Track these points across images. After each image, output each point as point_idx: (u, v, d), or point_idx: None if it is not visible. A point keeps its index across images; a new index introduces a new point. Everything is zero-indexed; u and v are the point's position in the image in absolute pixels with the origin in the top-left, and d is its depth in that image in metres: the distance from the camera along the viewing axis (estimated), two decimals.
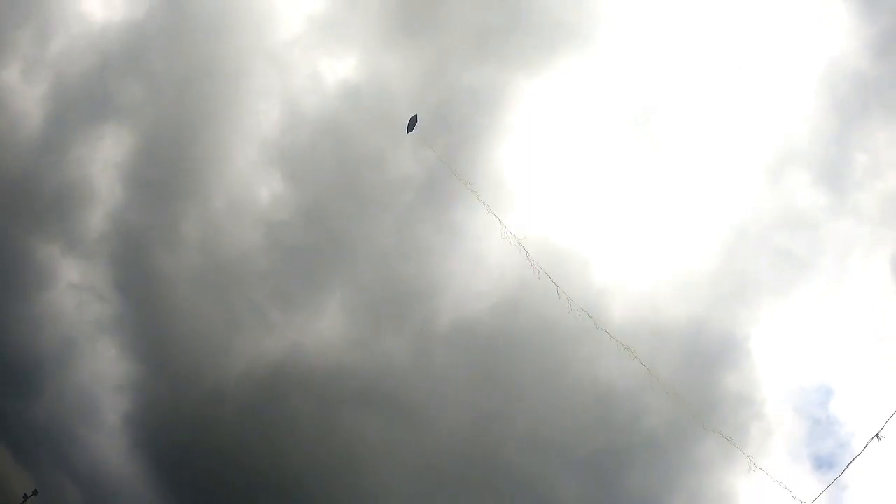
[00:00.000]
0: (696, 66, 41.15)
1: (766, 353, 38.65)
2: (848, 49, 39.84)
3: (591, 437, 34.91)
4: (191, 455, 40.11)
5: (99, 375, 42.80)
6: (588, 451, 34.80)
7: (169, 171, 41.51)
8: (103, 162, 44.19)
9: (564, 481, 35.48)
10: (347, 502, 37.64)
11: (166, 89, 43.27)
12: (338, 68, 42.82)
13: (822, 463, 36.81)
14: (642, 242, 38.88)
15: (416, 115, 30.39)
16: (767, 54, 40.95)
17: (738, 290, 39.21)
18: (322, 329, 38.42)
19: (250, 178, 41.25)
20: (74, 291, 44.53)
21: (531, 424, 34.57)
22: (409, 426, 36.42)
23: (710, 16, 41.01)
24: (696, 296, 38.50)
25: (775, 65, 40.90)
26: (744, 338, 38.56)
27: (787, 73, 40.89)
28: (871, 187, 38.72)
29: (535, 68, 40.24)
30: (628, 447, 35.28)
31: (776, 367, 38.67)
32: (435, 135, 38.91)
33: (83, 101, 43.86)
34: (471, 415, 35.34)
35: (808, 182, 39.86)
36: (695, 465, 36.30)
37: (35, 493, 30.99)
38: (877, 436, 17.65)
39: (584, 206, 38.69)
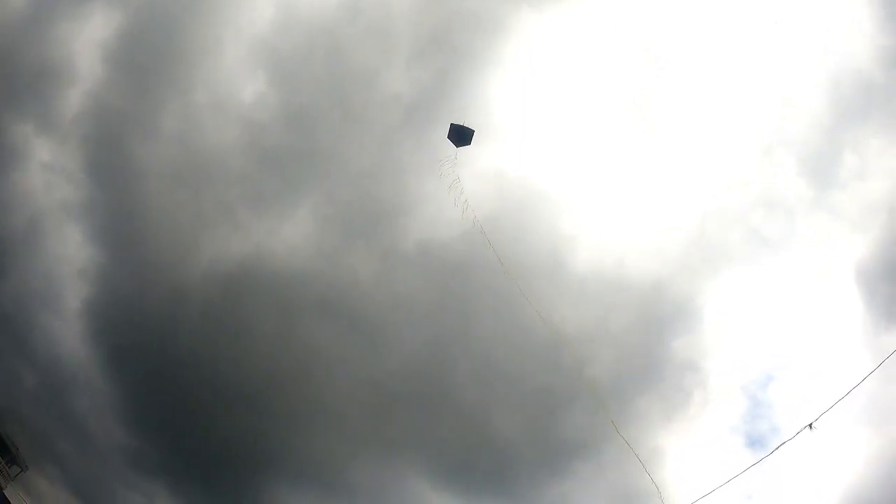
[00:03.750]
0: (710, 26, 40.46)
1: (719, 327, 39.79)
2: (861, 53, 39.43)
3: (538, 376, 36.04)
4: (149, 349, 40.42)
5: (63, 259, 42.43)
6: (532, 388, 36.02)
7: (154, 58, 40.10)
8: (88, 41, 42.54)
9: (506, 414, 36.83)
10: (300, 407, 38.60)
11: None
12: None
13: (755, 442, 38.44)
14: (621, 198, 39.24)
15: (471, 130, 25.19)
16: (782, 40, 40.47)
17: (705, 261, 40.03)
18: (290, 235, 38.47)
19: (236, 76, 40.20)
20: (45, 171, 43.66)
21: (483, 355, 35.56)
22: (366, 341, 37.18)
23: None
24: (664, 258, 39.24)
25: (786, 52, 40.52)
26: (700, 307, 39.67)
27: (795, 63, 40.56)
28: (854, 189, 39.21)
29: (542, 3, 39.26)
30: (571, 392, 36.43)
31: (726, 342, 39.93)
32: (430, 55, 38.16)
33: None
34: (426, 337, 36.17)
35: (793, 170, 40.26)
36: (634, 417, 37.78)
37: None
38: (809, 425, 18.20)
39: (568, 150, 38.65)
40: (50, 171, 43.16)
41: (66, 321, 41.49)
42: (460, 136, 25.39)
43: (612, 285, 37.94)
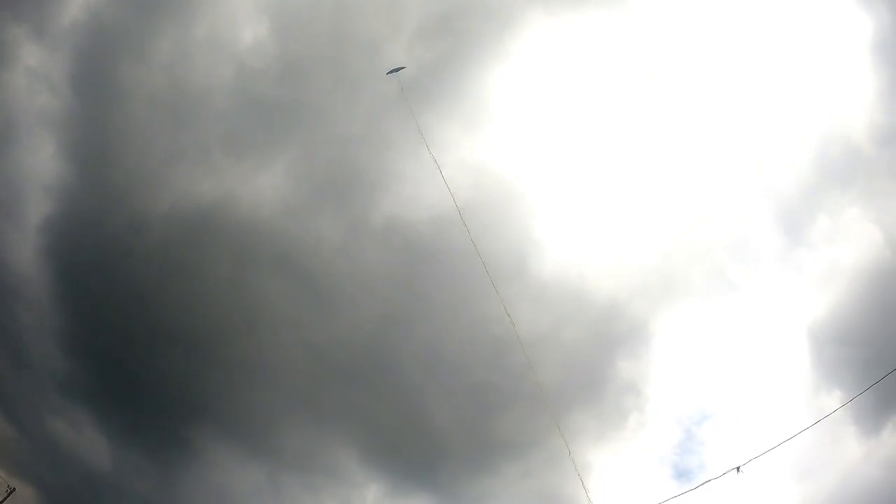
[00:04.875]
0: (711, 64, 40.99)
1: (666, 356, 40.38)
2: (856, 123, 40.17)
3: (480, 371, 36.21)
4: (100, 275, 39.73)
5: (30, 170, 41.49)
6: (473, 382, 36.17)
7: None
8: None
9: (444, 403, 36.96)
10: (242, 363, 38.24)
11: None
12: None
13: (682, 475, 39.02)
14: (594, 212, 39.52)
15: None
16: (781, 94, 41.13)
17: (664, 289, 40.55)
18: (262, 186, 37.99)
19: (238, 17, 39.50)
20: (28, 76, 42.55)
21: (430, 340, 35.57)
22: (318, 306, 36.97)
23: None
24: (625, 279, 39.65)
25: (783, 107, 41.21)
26: (652, 333, 40.18)
27: (790, 119, 41.26)
28: (822, 250, 39.96)
29: (557, 7, 39.27)
30: (511, 393, 36.65)
31: (670, 373, 40.54)
32: (436, 36, 37.90)
33: None
34: (378, 313, 36.05)
35: (769, 219, 40.91)
36: (570, 428, 38.13)
37: None
38: (737, 468, 18.69)
39: (552, 154, 38.79)
40: (34, 76, 42.16)
41: (23, 233, 40.63)
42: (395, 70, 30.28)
43: (570, 295, 38.29)
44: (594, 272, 38.80)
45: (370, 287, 35.93)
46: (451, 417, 37.00)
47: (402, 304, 35.81)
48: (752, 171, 41.35)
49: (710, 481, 19.24)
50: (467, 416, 37.39)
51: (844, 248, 39.21)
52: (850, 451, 32.63)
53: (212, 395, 38.45)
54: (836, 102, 40.20)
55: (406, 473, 38.36)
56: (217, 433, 38.62)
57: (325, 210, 36.86)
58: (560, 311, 37.68)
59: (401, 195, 36.32)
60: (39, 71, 42.00)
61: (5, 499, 29.83)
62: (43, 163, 41.34)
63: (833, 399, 34.66)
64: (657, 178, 40.75)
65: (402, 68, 30.49)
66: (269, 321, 37.85)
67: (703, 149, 41.76)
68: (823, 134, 39.96)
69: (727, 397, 40.39)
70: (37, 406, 38.31)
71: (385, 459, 38.21)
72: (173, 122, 38.74)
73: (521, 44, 39.24)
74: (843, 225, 39.55)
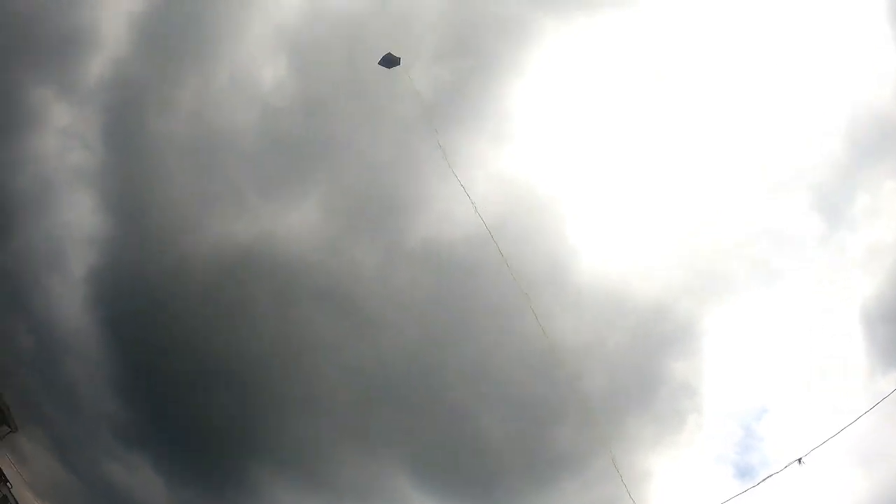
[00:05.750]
0: (733, 54, 40.32)
1: (716, 353, 39.62)
2: (882, 95, 39.16)
3: (530, 386, 35.84)
4: (147, 322, 40.63)
5: (71, 225, 42.71)
6: (522, 396, 35.83)
7: (179, 32, 40.35)
8: (115, 8, 42.90)
9: (495, 421, 36.67)
10: (291, 396, 38.63)
11: None
12: None
13: (744, 473, 38.09)
14: (630, 214, 39.09)
15: (397, 58, 29.39)
16: (803, 76, 40.30)
17: (707, 288, 39.87)
18: (296, 222, 38.59)
19: (257, 58, 40.41)
20: (61, 136, 44.04)
21: (477, 359, 35.43)
22: (361, 333, 37.18)
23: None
24: (668, 280, 39.05)
25: (807, 88, 40.33)
26: (701, 332, 39.44)
27: (816, 99, 40.39)
28: (865, 229, 38.98)
29: (569, 14, 39.21)
30: (564, 405, 36.24)
31: (722, 369, 39.73)
32: (450, 57, 38.17)
33: None
34: (422, 335, 36.09)
35: (806, 205, 40.02)
36: (625, 437, 37.53)
37: None
38: (799, 460, 18.36)
39: (580, 159, 38.56)
40: (65, 135, 43.64)
41: (69, 286, 41.81)
42: (389, 62, 29.47)
43: (613, 300, 37.82)
44: (635, 275, 38.35)
45: (411, 310, 36.13)
46: (502, 433, 36.76)
47: (443, 323, 35.86)
48: (783, 158, 40.57)
49: (771, 476, 18.85)
50: (519, 431, 37.09)
51: (886, 223, 38.23)
52: None
53: (264, 431, 38.90)
54: (861, 76, 39.28)
55: (461, 493, 38.17)
56: (272, 468, 39.04)
57: (359, 239, 37.31)
58: (603, 316, 37.33)
59: (434, 216, 36.59)
60: (70, 130, 43.46)
61: None
62: (83, 217, 42.62)
63: (889, 381, 33.71)
64: (688, 175, 40.23)
65: (398, 61, 29.43)
66: (313, 352, 38.29)
67: (731, 141, 41.14)
68: (851, 110, 39.10)
69: (783, 389, 39.47)
70: (92, 451, 39.18)
71: (439, 481, 38.11)
72: (204, 167, 39.75)
73: (537, 53, 39.35)
74: (882, 200, 38.58)
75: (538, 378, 35.84)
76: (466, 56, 37.16)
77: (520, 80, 39.02)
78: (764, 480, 19.00)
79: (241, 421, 38.64)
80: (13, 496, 31.65)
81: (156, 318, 40.22)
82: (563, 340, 35.09)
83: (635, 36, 40.59)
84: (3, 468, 31.69)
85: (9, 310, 39.17)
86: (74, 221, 42.70)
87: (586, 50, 39.61)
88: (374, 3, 39.93)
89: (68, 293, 41.59)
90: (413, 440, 37.63)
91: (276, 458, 38.86)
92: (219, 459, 38.86)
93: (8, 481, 31.60)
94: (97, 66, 42.84)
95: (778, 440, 38.43)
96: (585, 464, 36.40)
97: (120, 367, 40.29)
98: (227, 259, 38.76)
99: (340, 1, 40.13)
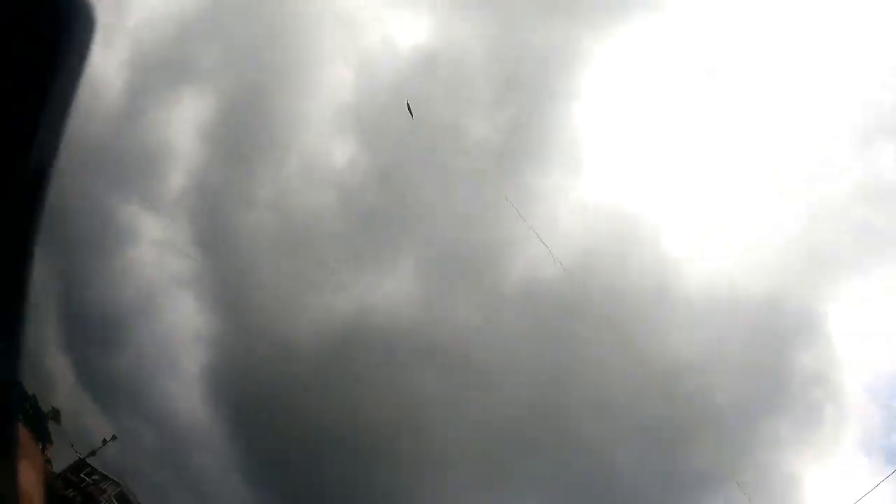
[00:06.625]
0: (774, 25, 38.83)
1: (844, 333, 37.37)
2: None
3: (655, 408, 34.70)
4: (263, 406, 42.23)
5: (178, 327, 45.25)
6: (651, 421, 34.71)
7: (246, 133, 42.91)
8: (183, 123, 46.13)
9: (625, 449, 35.64)
10: (413, 457, 38.95)
11: (243, 53, 44.43)
12: (409, 31, 42.64)
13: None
14: (717, 213, 37.85)
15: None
16: (873, 27, 38.30)
17: (817, 266, 37.95)
18: (391, 289, 39.43)
19: (325, 141, 42.18)
20: (155, 247, 47.15)
21: (595, 390, 34.74)
22: (475, 384, 37.23)
23: None
24: (772, 270, 37.36)
25: (879, 36, 38.28)
26: (822, 315, 37.41)
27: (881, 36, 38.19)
28: None
29: (605, 27, 39.03)
30: (692, 421, 34.88)
31: (855, 349, 37.37)
32: (508, 97, 38.55)
33: (162, 67, 45.61)
34: (536, 376, 35.77)
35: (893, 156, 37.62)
36: (760, 444, 35.69)
37: (114, 437, 32.05)
38: None
39: (656, 172, 37.77)
40: (160, 246, 46.71)
41: (187, 385, 44.15)
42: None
43: (723, 304, 36.40)
44: (740, 274, 36.93)
45: (520, 352, 35.94)
46: (638, 459, 35.62)
47: (556, 362, 35.46)
48: (862, 112, 38.29)
49: None
50: (657, 454, 35.85)
51: None
52: None
53: (392, 491, 39.26)
54: None
55: None
56: None
57: (456, 294, 37.73)
58: (716, 322, 35.97)
59: (526, 257, 36.55)
60: (163, 241, 46.48)
61: None
62: (188, 319, 45.10)
63: None
64: (769, 163, 38.66)
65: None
66: (429, 410, 38.55)
67: (799, 105, 39.27)
68: None
69: None
70: None
71: None
72: (293, 253, 41.53)
73: (588, 74, 39.30)
74: None
75: (660, 398, 34.74)
76: (520, 95, 37.55)
77: (577, 102, 39.04)
78: None
79: (367, 489, 39.18)
80: None
81: (272, 404, 41.80)
82: (680, 358, 34.08)
83: (673, 37, 39.97)
84: None
85: (130, 413, 41.72)
86: (181, 324, 45.27)
87: (630, 59, 39.25)
88: (423, 67, 41.22)
89: (184, 391, 43.82)
90: (548, 480, 37.06)
91: None
92: None
93: None
94: (177, 177, 46.04)
95: None
96: (725, 479, 34.73)
97: (243, 452, 41.93)
98: (330, 336, 40.06)
99: (390, 70, 41.71)
